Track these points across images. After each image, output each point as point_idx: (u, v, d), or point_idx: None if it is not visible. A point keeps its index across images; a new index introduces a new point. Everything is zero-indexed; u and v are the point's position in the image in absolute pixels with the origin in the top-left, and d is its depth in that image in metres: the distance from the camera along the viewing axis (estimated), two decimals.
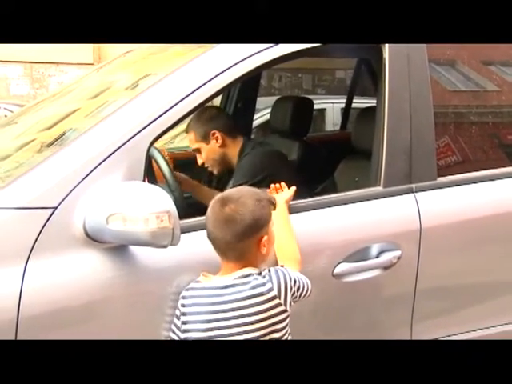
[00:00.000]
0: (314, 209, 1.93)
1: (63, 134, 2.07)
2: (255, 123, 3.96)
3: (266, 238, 1.66)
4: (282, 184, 1.98)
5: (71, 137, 1.98)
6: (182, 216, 1.65)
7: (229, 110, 3.32)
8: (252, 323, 1.60)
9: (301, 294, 1.69)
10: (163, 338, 1.70)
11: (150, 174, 1.89)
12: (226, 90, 2.79)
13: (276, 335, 1.64)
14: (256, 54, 1.90)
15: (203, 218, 1.70)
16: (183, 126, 2.74)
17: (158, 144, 2.30)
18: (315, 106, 3.26)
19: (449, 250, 2.07)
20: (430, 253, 2.01)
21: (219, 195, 1.69)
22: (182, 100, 1.79)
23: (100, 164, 1.69)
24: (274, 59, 1.93)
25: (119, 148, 1.71)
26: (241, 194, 1.67)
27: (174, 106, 1.78)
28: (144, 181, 1.72)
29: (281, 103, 3.15)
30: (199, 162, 2.75)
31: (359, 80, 3.88)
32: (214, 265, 1.70)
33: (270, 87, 9.55)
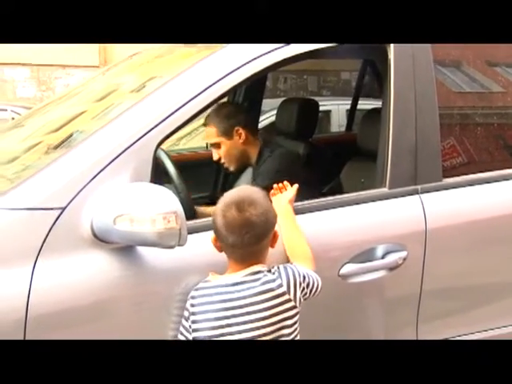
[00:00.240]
0: (320, 210, 1.93)
1: (70, 135, 2.08)
2: (261, 125, 3.96)
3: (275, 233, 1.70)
4: (285, 183, 1.99)
5: (78, 139, 2.00)
6: (188, 217, 1.66)
7: None
8: (262, 319, 1.61)
9: (311, 290, 1.70)
10: (170, 338, 1.71)
11: (157, 175, 1.90)
12: (232, 92, 2.80)
13: (285, 331, 1.65)
14: (263, 55, 1.91)
15: (210, 219, 1.71)
16: (188, 128, 2.75)
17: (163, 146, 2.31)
18: (320, 108, 3.27)
19: (454, 251, 2.08)
20: (435, 254, 2.01)
21: (229, 200, 1.67)
22: (189, 101, 1.80)
23: (107, 165, 1.70)
24: (281, 61, 1.94)
25: (126, 149, 1.72)
26: (251, 195, 1.68)
27: (182, 107, 1.79)
28: (151, 182, 1.73)
29: (286, 105, 3.16)
30: (215, 157, 2.71)
31: (364, 81, 3.88)
32: (221, 265, 1.71)
33: (275, 89, 9.57)
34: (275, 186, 1.98)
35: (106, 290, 1.65)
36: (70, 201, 1.65)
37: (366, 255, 1.93)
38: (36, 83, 10.46)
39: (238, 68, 1.88)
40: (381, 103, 2.20)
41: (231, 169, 2.75)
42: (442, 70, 2.32)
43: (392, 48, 2.06)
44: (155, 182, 1.71)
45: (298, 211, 1.90)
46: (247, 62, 1.89)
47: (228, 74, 1.86)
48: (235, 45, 1.95)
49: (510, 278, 2.18)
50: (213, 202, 1.76)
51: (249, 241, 1.63)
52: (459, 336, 2.10)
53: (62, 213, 1.64)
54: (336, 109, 6.40)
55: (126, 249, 1.68)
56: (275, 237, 1.72)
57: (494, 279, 2.17)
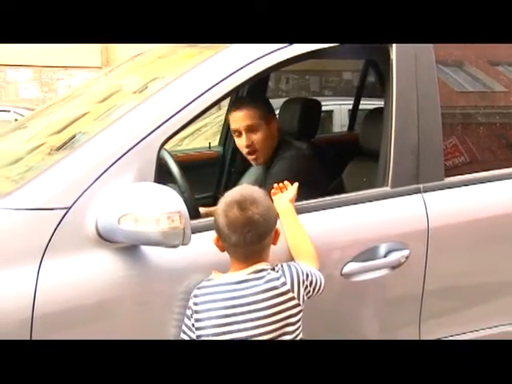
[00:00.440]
0: (323, 209, 1.94)
1: (73, 137, 2.10)
2: None
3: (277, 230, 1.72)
4: (286, 182, 1.99)
5: (81, 140, 2.01)
6: (192, 216, 1.67)
7: None
8: (265, 317, 1.62)
9: (314, 288, 1.72)
10: (173, 338, 1.72)
11: (161, 175, 1.91)
12: (235, 92, 2.80)
13: (289, 329, 1.66)
14: (266, 55, 1.92)
15: (213, 218, 1.72)
16: (191, 128, 2.73)
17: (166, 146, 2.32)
18: (323, 108, 3.28)
19: (456, 250, 2.08)
20: (437, 252, 2.02)
21: (230, 199, 1.67)
22: (192, 101, 1.81)
23: (112, 165, 1.71)
24: (284, 61, 1.95)
25: (130, 150, 1.73)
26: (253, 194, 1.68)
27: (185, 107, 1.80)
28: (155, 182, 1.74)
29: (289, 105, 3.16)
30: (246, 142, 2.51)
31: (366, 81, 3.89)
32: (225, 264, 1.72)
33: (277, 89, 9.58)
34: (275, 185, 1.99)
35: (111, 289, 1.66)
36: (75, 201, 1.66)
37: (368, 254, 1.93)
38: (38, 84, 10.48)
39: (241, 68, 1.88)
40: (383, 103, 2.21)
41: (258, 160, 2.57)
42: (444, 70, 2.33)
43: (394, 48, 2.07)
44: (159, 182, 1.72)
45: (301, 210, 1.91)
46: (250, 62, 1.90)
47: (231, 74, 1.87)
48: (238, 45, 1.96)
49: None
50: (216, 202, 1.77)
51: (251, 240, 1.64)
52: (462, 334, 2.11)
53: (66, 213, 1.65)
54: (338, 109, 6.41)
55: (130, 248, 1.69)
56: (277, 234, 1.73)
57: (497, 277, 2.17)
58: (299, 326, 1.69)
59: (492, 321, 2.17)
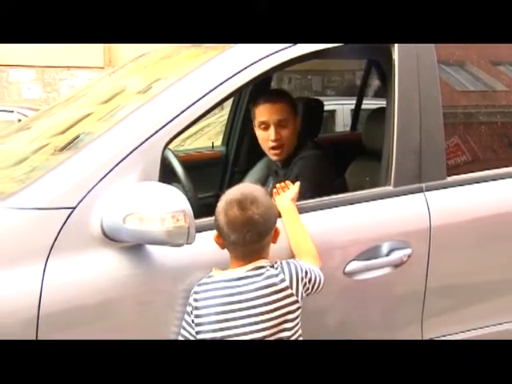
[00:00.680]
0: (326, 208, 1.96)
1: (77, 137, 2.11)
2: None
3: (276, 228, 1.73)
4: (287, 182, 2.01)
5: (85, 140, 2.02)
6: (196, 215, 1.68)
7: (240, 112, 3.35)
8: (264, 313, 1.64)
9: (313, 286, 1.73)
10: (175, 336, 1.73)
11: (165, 174, 1.93)
12: (239, 92, 2.81)
13: (287, 325, 1.67)
14: (269, 56, 1.93)
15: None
16: (193, 129, 2.73)
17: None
18: (325, 108, 3.28)
19: (459, 248, 2.09)
20: (439, 251, 2.03)
21: (231, 198, 1.69)
22: (196, 101, 1.82)
23: (117, 165, 1.73)
24: (287, 61, 1.96)
25: (135, 149, 1.75)
26: (253, 193, 1.70)
27: (189, 107, 1.81)
28: (159, 181, 1.76)
29: None
30: (276, 136, 2.45)
31: (369, 81, 3.90)
32: (228, 262, 1.73)
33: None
34: (278, 185, 2.01)
35: (116, 287, 1.68)
36: (80, 200, 1.68)
37: (371, 252, 1.95)
38: (41, 85, 10.50)
39: (245, 68, 1.90)
40: (385, 103, 2.22)
41: (281, 156, 2.52)
42: (446, 70, 2.34)
43: (396, 48, 2.07)
44: (163, 182, 1.74)
45: (304, 209, 1.92)
46: (254, 63, 1.91)
47: (235, 75, 1.88)
48: (242, 45, 1.97)
49: None
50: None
51: (251, 239, 1.66)
52: (464, 332, 2.12)
53: (72, 212, 1.67)
54: (340, 108, 6.42)
55: (135, 247, 1.71)
56: (276, 233, 1.75)
57: (499, 276, 2.18)
58: (298, 323, 1.70)
59: (494, 319, 2.18)
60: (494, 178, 2.19)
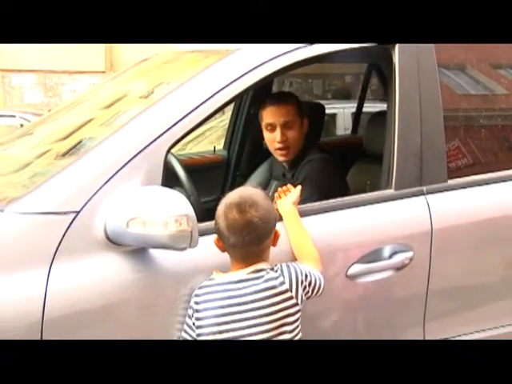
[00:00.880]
0: (328, 211, 1.97)
1: (79, 142, 2.12)
2: None
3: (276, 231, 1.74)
4: (289, 186, 2.02)
5: (88, 145, 2.04)
6: (199, 219, 1.69)
7: (241, 116, 3.37)
8: (264, 316, 1.65)
9: (313, 289, 1.74)
10: (175, 338, 1.74)
11: (168, 178, 1.94)
12: (241, 97, 2.82)
13: (287, 328, 1.68)
14: (272, 60, 1.95)
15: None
16: (195, 133, 2.73)
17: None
18: (326, 111, 3.29)
19: (460, 251, 2.10)
20: (441, 253, 2.04)
21: (230, 201, 1.70)
22: (198, 106, 1.83)
23: (120, 170, 1.74)
24: (288, 65, 1.97)
25: (138, 154, 1.76)
26: (252, 196, 1.70)
27: (191, 112, 1.82)
28: (162, 186, 1.77)
29: None
30: (276, 138, 2.47)
31: (369, 85, 3.91)
32: (229, 266, 1.74)
33: None
34: (279, 189, 2.02)
35: (120, 291, 1.69)
36: (84, 205, 1.69)
37: (373, 255, 1.96)
38: (43, 89, 10.53)
39: (246, 73, 1.91)
40: (386, 106, 2.23)
41: (287, 157, 2.53)
42: (446, 73, 2.35)
43: (397, 52, 2.09)
44: (166, 186, 1.75)
45: (306, 213, 1.93)
46: (255, 67, 1.92)
47: (236, 79, 1.89)
48: (243, 50, 1.99)
49: None
50: None
51: (250, 241, 1.67)
52: (466, 334, 2.13)
53: (76, 216, 1.68)
54: (341, 112, 6.44)
55: (138, 251, 1.72)
56: (276, 236, 1.76)
57: (500, 278, 2.19)
58: (298, 326, 1.71)
59: (496, 321, 2.18)
60: (495, 181, 2.20)
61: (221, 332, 1.65)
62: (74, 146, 2.09)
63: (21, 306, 1.60)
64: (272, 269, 1.71)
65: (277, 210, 1.86)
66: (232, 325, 1.65)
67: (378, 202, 2.03)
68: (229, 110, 3.48)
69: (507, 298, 2.20)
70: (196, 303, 1.70)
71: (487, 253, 2.15)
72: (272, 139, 2.52)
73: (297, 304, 1.69)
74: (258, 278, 1.68)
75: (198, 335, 1.68)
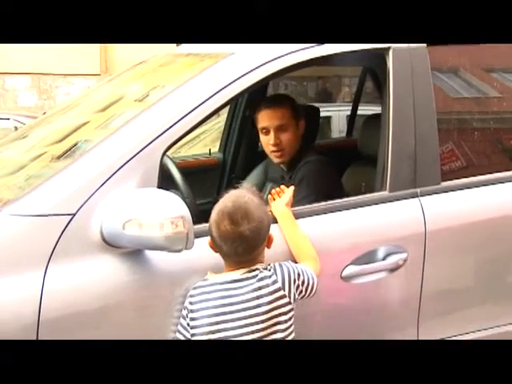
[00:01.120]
0: (323, 213, 1.98)
1: (75, 145, 2.13)
2: None
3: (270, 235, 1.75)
4: (282, 187, 2.02)
5: (83, 148, 2.04)
6: (194, 221, 1.70)
7: (237, 119, 3.38)
8: (257, 315, 1.66)
9: (306, 288, 1.74)
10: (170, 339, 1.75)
11: (163, 181, 1.95)
12: (236, 100, 2.83)
13: (280, 327, 1.68)
14: (266, 63, 1.96)
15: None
16: (189, 135, 2.73)
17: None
18: (321, 114, 3.30)
19: (453, 252, 2.12)
20: (435, 255, 2.06)
21: (222, 210, 1.69)
22: (194, 109, 1.84)
23: (116, 172, 1.75)
24: (283, 69, 1.99)
25: (134, 156, 1.77)
26: (245, 205, 1.69)
27: (187, 115, 1.83)
28: (158, 188, 1.78)
29: None
30: (275, 140, 2.49)
31: (364, 88, 3.93)
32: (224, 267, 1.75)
33: None
34: (273, 191, 2.02)
35: (116, 293, 1.70)
36: (80, 207, 1.70)
37: (367, 257, 1.97)
38: (37, 92, 10.49)
39: (241, 76, 1.92)
40: (380, 109, 2.25)
41: (283, 158, 2.55)
42: (440, 76, 2.37)
43: (391, 56, 2.10)
44: (162, 188, 1.76)
45: (300, 215, 1.94)
46: (250, 71, 1.93)
47: (231, 83, 1.90)
48: (238, 54, 2.00)
49: (507, 278, 2.22)
50: None
51: (242, 252, 1.68)
52: (459, 335, 2.13)
53: (72, 219, 1.68)
54: (336, 115, 6.46)
55: (134, 253, 1.73)
56: (270, 240, 1.77)
57: (493, 279, 2.20)
58: (291, 325, 1.71)
59: (490, 322, 2.19)
60: (488, 183, 2.21)
61: (213, 332, 1.66)
62: (70, 149, 2.09)
63: (17, 308, 1.60)
64: (266, 268, 1.72)
65: (271, 211, 1.87)
66: (224, 325, 1.66)
67: (372, 204, 2.04)
68: (224, 112, 3.49)
69: (500, 298, 2.22)
70: (191, 303, 1.71)
71: (481, 254, 2.17)
72: (267, 142, 2.55)
73: (289, 303, 1.70)
74: (251, 278, 1.69)
75: (193, 335, 1.69)
